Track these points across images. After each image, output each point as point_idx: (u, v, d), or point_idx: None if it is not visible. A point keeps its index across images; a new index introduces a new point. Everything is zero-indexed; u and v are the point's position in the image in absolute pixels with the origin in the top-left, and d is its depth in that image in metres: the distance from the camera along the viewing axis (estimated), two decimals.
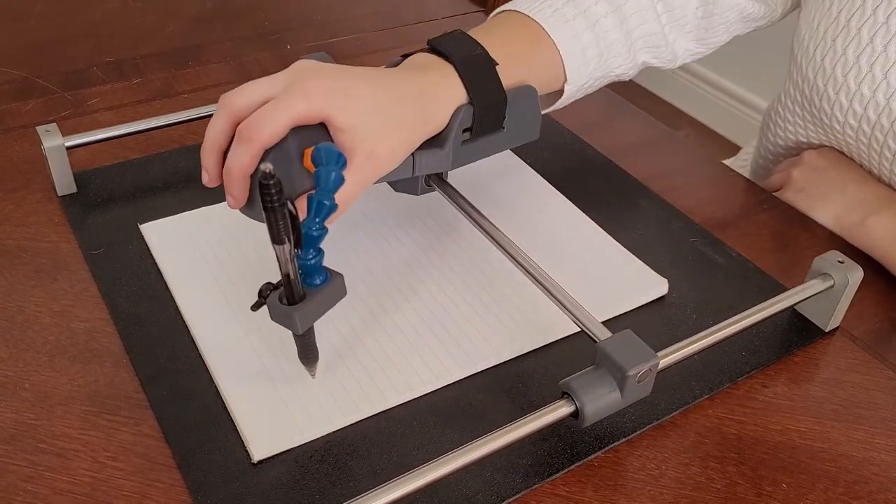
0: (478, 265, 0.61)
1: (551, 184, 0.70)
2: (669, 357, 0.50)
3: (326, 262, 0.49)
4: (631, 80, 0.73)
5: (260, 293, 0.47)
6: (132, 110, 0.77)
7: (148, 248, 0.61)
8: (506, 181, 0.70)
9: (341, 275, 0.49)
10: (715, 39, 0.72)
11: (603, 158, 0.74)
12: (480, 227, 0.59)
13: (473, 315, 0.57)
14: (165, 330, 0.55)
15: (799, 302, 0.56)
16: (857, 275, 0.56)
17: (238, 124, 0.49)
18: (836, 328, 0.59)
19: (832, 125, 0.70)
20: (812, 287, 0.56)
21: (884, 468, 0.50)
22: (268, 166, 0.40)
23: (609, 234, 0.65)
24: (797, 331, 0.58)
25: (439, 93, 0.55)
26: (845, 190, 0.70)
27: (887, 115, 0.65)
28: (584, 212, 0.67)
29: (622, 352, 0.47)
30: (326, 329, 0.55)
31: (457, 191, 0.61)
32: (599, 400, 0.47)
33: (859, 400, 0.54)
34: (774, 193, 0.74)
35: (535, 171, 0.71)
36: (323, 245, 0.47)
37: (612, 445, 0.50)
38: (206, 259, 0.60)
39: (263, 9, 0.98)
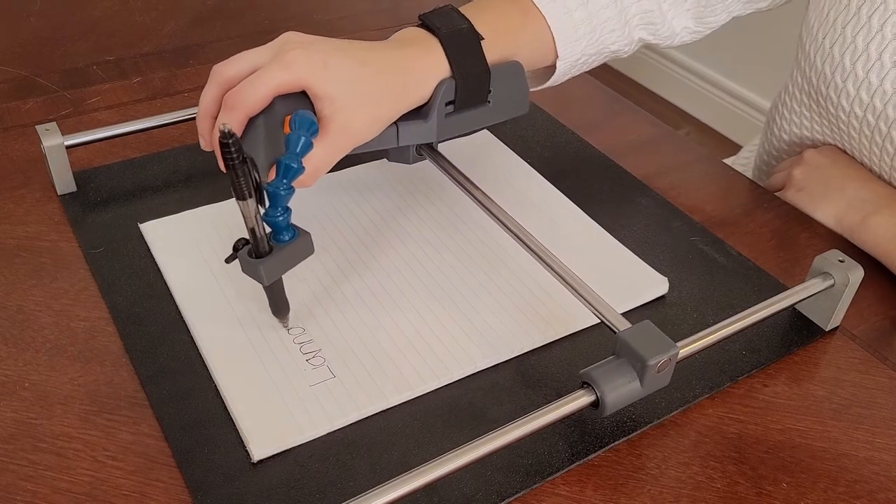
0: (477, 263, 0.61)
1: (551, 182, 0.70)
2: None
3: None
4: (632, 79, 0.74)
5: (234, 247, 0.50)
6: (132, 109, 0.77)
7: (148, 248, 0.61)
8: (505, 179, 0.70)
9: (308, 233, 0.52)
10: (713, 19, 0.71)
11: (603, 157, 0.74)
12: (484, 206, 0.59)
13: (473, 314, 0.57)
14: (165, 329, 0.55)
15: (799, 301, 0.56)
16: (857, 274, 0.56)
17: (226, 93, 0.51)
18: (837, 327, 0.59)
19: (837, 114, 0.70)
20: (812, 286, 0.56)
21: (884, 467, 0.50)
22: (226, 126, 0.43)
23: (609, 232, 0.65)
24: (797, 330, 0.58)
25: (421, 66, 0.56)
26: (846, 189, 0.70)
27: (893, 104, 0.65)
28: (584, 210, 0.67)
29: (642, 342, 0.48)
30: (326, 327, 0.55)
31: (449, 161, 0.62)
32: (620, 389, 0.47)
33: (860, 399, 0.54)
34: (776, 193, 0.74)
35: (535, 169, 0.71)
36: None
37: (612, 445, 0.50)
38: (207, 258, 0.60)
39: (263, 7, 0.98)
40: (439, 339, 0.55)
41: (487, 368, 0.54)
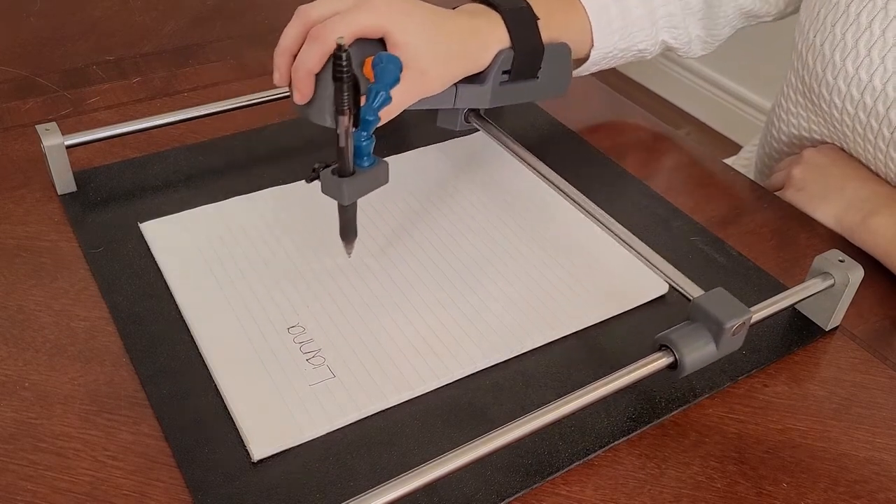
0: (477, 263, 0.61)
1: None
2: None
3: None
4: (632, 79, 0.76)
5: (313, 169, 0.53)
6: (132, 109, 0.77)
7: (148, 247, 0.61)
8: (506, 180, 0.70)
9: (386, 162, 0.55)
10: (718, 32, 0.76)
11: (603, 157, 0.74)
12: (546, 178, 0.64)
13: (473, 314, 0.57)
14: (165, 329, 0.54)
15: (799, 301, 0.56)
16: (857, 274, 0.55)
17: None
18: (837, 327, 0.59)
19: (831, 112, 0.70)
20: (812, 286, 0.56)
21: (884, 467, 0.50)
22: (342, 39, 0.46)
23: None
24: (798, 330, 0.58)
25: (486, 36, 0.62)
26: (845, 189, 0.70)
27: (883, 100, 0.65)
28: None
29: (717, 306, 0.50)
30: (326, 327, 0.55)
31: (498, 128, 0.67)
32: (697, 351, 0.50)
33: (860, 399, 0.54)
34: (776, 193, 0.74)
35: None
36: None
37: (612, 444, 0.50)
38: (206, 258, 0.60)
39: (263, 7, 0.98)
40: (439, 339, 0.55)
41: (487, 368, 0.54)
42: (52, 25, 0.91)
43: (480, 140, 0.75)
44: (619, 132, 0.80)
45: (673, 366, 0.49)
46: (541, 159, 0.72)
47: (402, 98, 0.56)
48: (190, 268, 0.59)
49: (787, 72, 0.77)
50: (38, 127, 0.64)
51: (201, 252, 0.60)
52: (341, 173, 0.53)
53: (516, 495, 0.47)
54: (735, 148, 1.39)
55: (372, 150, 0.54)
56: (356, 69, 0.53)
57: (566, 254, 0.62)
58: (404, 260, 0.61)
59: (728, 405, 0.53)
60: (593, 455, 0.49)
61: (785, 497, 0.48)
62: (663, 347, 0.50)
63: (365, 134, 0.52)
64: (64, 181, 0.65)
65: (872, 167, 0.70)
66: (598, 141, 0.76)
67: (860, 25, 0.65)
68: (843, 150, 0.73)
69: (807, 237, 0.68)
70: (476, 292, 0.58)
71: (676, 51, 0.77)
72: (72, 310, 0.56)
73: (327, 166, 0.53)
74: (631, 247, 0.57)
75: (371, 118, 0.52)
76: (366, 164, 0.54)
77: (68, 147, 0.64)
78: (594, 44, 0.70)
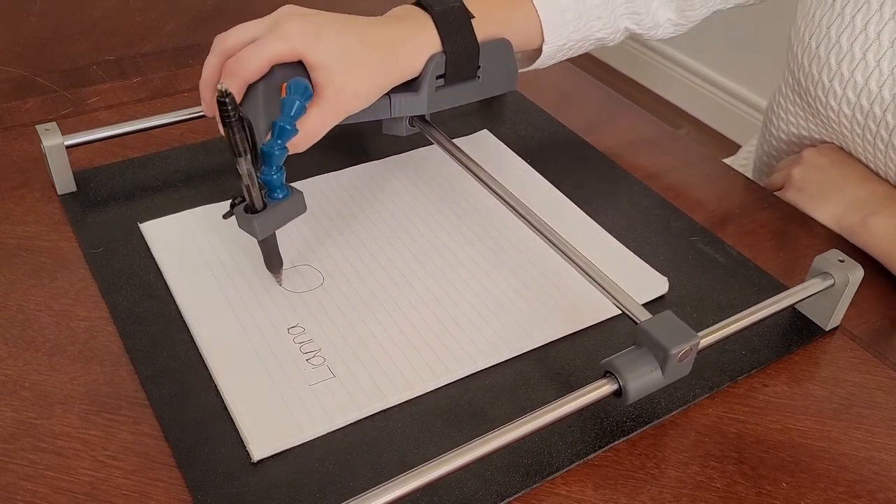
0: (477, 263, 0.61)
1: (551, 182, 0.70)
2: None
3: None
4: (631, 78, 0.75)
5: (231, 204, 0.54)
6: (132, 109, 0.77)
7: (148, 247, 0.61)
8: (504, 179, 0.70)
9: (301, 192, 0.55)
10: (693, 13, 0.74)
11: (603, 157, 0.74)
12: (485, 183, 0.62)
13: (473, 313, 0.57)
14: (165, 329, 0.55)
15: (799, 301, 0.56)
16: (857, 274, 0.56)
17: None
18: (837, 327, 0.59)
19: (828, 114, 0.70)
20: (812, 286, 0.56)
21: (884, 467, 0.50)
22: (223, 86, 0.46)
23: (609, 232, 0.65)
24: (797, 330, 0.58)
25: (414, 41, 0.60)
26: (845, 189, 0.70)
27: (879, 103, 0.65)
28: (584, 210, 0.67)
29: (664, 332, 0.48)
30: (326, 327, 0.55)
31: (442, 133, 0.65)
32: (642, 378, 0.48)
33: (859, 399, 0.54)
34: (776, 193, 0.74)
35: (535, 169, 0.71)
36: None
37: (612, 444, 0.50)
38: (206, 258, 0.60)
39: (263, 7, 0.98)
40: (439, 339, 0.55)
41: (487, 368, 0.54)
42: (52, 25, 0.91)
43: (483, 137, 0.75)
44: (619, 132, 0.80)
45: (618, 393, 0.48)
46: (530, 162, 0.72)
47: (322, 120, 0.55)
48: (190, 268, 0.59)
49: (784, 72, 0.77)
50: (38, 127, 0.64)
51: (201, 252, 0.60)
52: (252, 210, 0.53)
53: (516, 495, 0.47)
54: (734, 147, 1.39)
55: (283, 181, 0.54)
56: (275, 94, 0.54)
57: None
58: (404, 259, 0.61)
59: (728, 405, 0.53)
60: (593, 455, 0.49)
61: (785, 497, 0.48)
62: (608, 374, 0.48)
63: (274, 168, 0.52)
64: (64, 181, 0.65)
65: (872, 166, 0.70)
66: (598, 141, 0.76)
67: (855, 28, 0.65)
68: (842, 149, 0.73)
69: (807, 237, 0.68)
70: (477, 292, 0.58)
71: (641, 36, 0.74)
72: (72, 310, 0.56)
73: (243, 200, 0.53)
74: (581, 268, 0.55)
75: (277, 152, 0.52)
76: (279, 196, 0.54)
77: (68, 147, 0.64)
78: (545, 38, 0.66)
